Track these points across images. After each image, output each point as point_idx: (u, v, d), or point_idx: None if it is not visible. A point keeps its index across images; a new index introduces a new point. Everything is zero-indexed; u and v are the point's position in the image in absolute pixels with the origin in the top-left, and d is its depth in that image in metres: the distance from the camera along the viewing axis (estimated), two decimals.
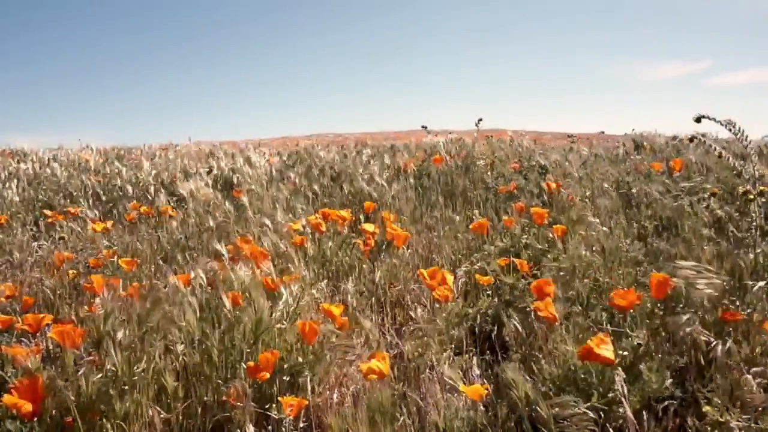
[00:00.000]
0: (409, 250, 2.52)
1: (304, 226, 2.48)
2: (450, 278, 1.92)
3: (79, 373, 1.24)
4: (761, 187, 1.84)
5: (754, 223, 1.89)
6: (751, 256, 1.89)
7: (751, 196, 1.83)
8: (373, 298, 2.10)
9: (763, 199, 1.92)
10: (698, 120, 1.97)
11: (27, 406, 1.17)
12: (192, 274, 2.05)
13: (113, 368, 1.31)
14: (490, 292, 2.05)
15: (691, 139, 2.12)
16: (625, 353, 1.43)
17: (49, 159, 4.64)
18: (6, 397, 1.18)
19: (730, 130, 1.96)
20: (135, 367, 1.31)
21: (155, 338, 1.47)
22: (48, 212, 3.38)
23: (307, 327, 1.56)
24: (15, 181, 4.02)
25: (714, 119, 1.87)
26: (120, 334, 1.45)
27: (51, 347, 1.59)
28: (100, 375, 1.28)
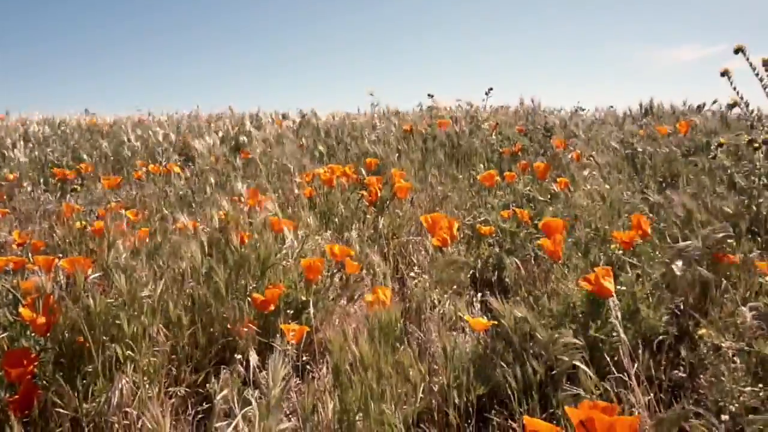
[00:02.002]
0: (413, 204, 2.54)
1: (312, 178, 2.51)
2: (455, 224, 1.94)
3: (88, 295, 1.28)
4: (764, 136, 1.84)
5: (759, 172, 1.90)
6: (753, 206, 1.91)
7: (756, 144, 1.84)
8: (376, 246, 2.13)
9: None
10: (723, 74, 1.95)
11: (41, 319, 1.21)
12: (198, 221, 2.09)
13: (118, 293, 1.35)
14: (491, 242, 2.07)
15: (731, 106, 2.10)
16: (623, 288, 1.45)
17: (59, 122, 4.67)
18: (23, 310, 1.22)
19: (757, 75, 1.92)
20: (141, 292, 1.35)
21: (163, 268, 1.50)
22: (58, 170, 3.42)
23: (311, 263, 1.60)
24: (22, 142, 4.06)
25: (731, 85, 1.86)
26: (125, 263, 1.50)
27: (62, 278, 1.63)
28: (109, 299, 1.32)
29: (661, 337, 1.48)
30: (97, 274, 1.41)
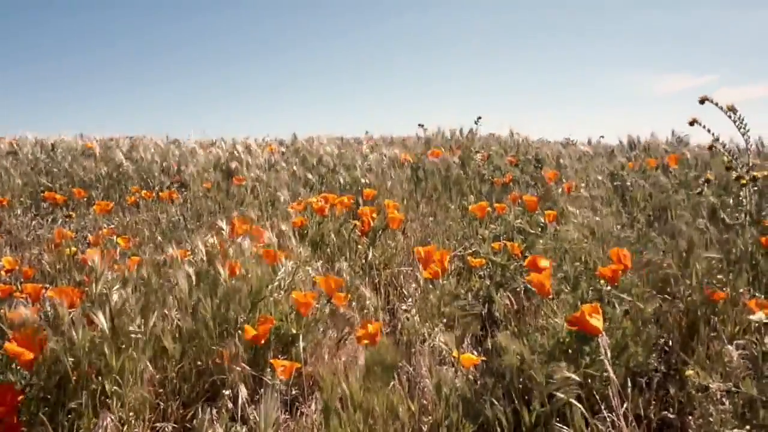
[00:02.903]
0: (405, 234, 2.55)
1: (304, 207, 2.52)
2: (447, 257, 1.95)
3: (76, 328, 1.27)
4: (754, 173, 1.88)
5: (745, 208, 1.93)
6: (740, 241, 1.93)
7: (744, 181, 1.87)
8: (367, 278, 2.14)
9: (756, 186, 1.96)
10: (691, 123, 2.03)
11: (27, 354, 1.20)
12: (189, 249, 2.09)
13: (106, 325, 1.34)
14: (482, 274, 2.08)
15: (710, 147, 2.16)
16: (611, 325, 1.46)
17: (52, 144, 4.67)
18: (8, 345, 1.21)
19: (730, 117, 2.00)
20: (130, 326, 1.34)
21: (152, 302, 1.50)
22: (49, 194, 3.41)
23: (302, 298, 1.59)
24: (16, 164, 4.05)
25: (704, 127, 1.92)
26: (115, 296, 1.49)
27: (49, 310, 1.62)
28: (94, 333, 1.31)
29: (650, 375, 1.49)
30: (85, 306, 1.40)
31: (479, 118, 4.12)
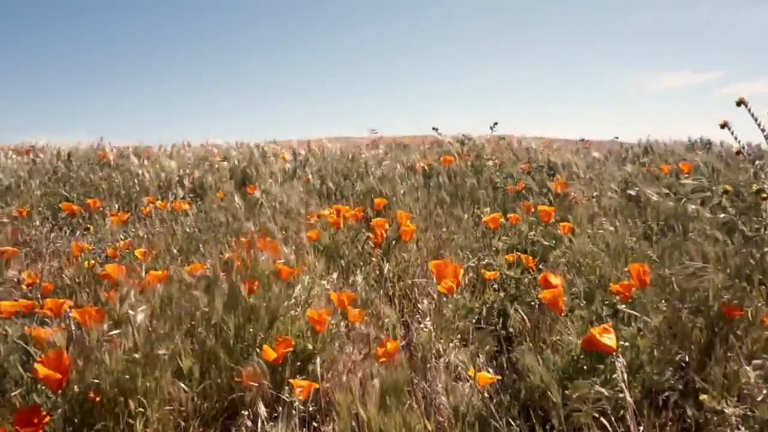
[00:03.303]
0: (418, 245, 2.57)
1: (318, 218, 2.54)
2: (461, 270, 1.97)
3: (102, 350, 1.30)
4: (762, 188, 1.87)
5: (765, 222, 1.92)
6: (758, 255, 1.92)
7: (764, 195, 1.86)
8: (382, 291, 2.15)
9: None
10: (722, 126, 2.01)
11: (56, 376, 1.23)
12: (208, 263, 2.12)
13: (133, 347, 1.37)
14: (496, 287, 2.09)
15: (737, 152, 2.16)
16: (626, 344, 1.47)
17: (68, 154, 4.75)
18: (38, 367, 1.24)
19: (759, 125, 1.96)
20: (155, 348, 1.37)
21: (175, 322, 1.53)
22: (66, 205, 3.47)
23: (317, 316, 1.62)
24: (33, 173, 4.13)
25: (732, 134, 1.90)
26: (140, 317, 1.52)
27: (73, 329, 1.65)
28: (121, 355, 1.34)
29: (667, 393, 1.49)
30: (110, 329, 1.43)
31: (495, 123, 4.11)
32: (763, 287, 1.88)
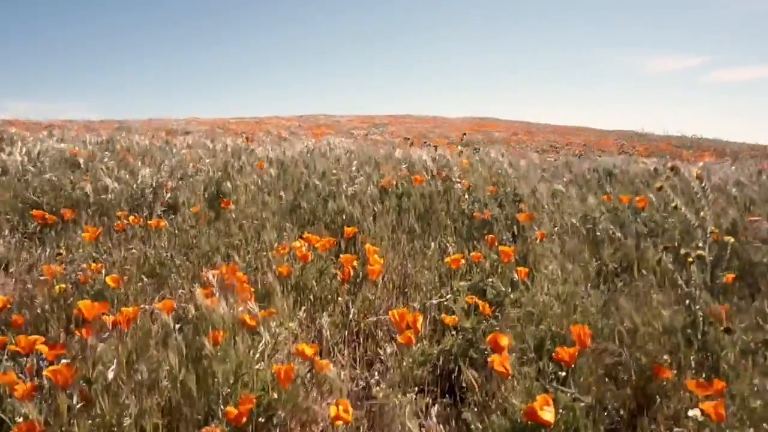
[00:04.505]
0: (385, 278, 2.68)
1: (289, 251, 2.62)
2: (419, 319, 2.08)
3: (71, 421, 1.38)
4: (698, 252, 2.03)
5: (694, 281, 2.08)
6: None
7: (690, 259, 2.02)
8: (346, 332, 2.26)
9: (703, 261, 2.10)
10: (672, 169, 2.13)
11: None
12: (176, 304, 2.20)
13: (101, 412, 1.45)
14: (454, 332, 2.21)
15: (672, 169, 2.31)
16: (563, 411, 1.61)
17: (39, 152, 4.69)
18: None
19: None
20: (123, 413, 1.45)
21: (142, 379, 1.61)
22: (37, 213, 3.46)
23: (283, 372, 1.71)
24: (2, 177, 4.08)
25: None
26: (110, 375, 1.60)
27: (45, 381, 1.71)
28: (89, 421, 1.43)
29: None
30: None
31: (477, 149, 4.21)
32: (696, 342, 2.05)
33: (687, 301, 2.14)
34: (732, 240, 2.16)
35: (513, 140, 15.84)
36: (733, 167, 5.26)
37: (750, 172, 4.79)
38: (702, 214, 2.19)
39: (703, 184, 2.36)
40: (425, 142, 13.43)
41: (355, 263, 2.52)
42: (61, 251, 2.76)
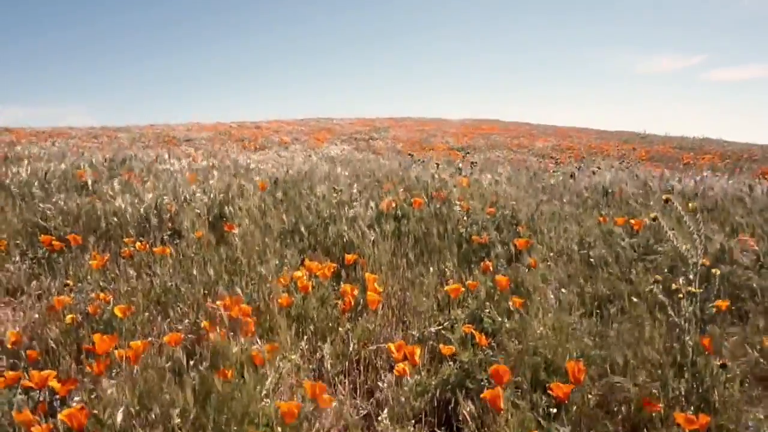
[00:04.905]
0: (384, 306, 2.75)
1: (291, 280, 2.70)
2: (417, 352, 2.17)
3: None
4: (689, 288, 2.11)
5: (683, 314, 2.15)
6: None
7: (681, 295, 2.09)
8: (347, 362, 2.34)
9: (693, 298, 2.18)
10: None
11: None
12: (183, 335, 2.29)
13: None
14: (452, 362, 2.29)
15: (666, 201, 2.40)
16: None
17: (46, 173, 4.78)
18: None
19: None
20: None
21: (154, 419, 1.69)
22: (46, 238, 3.54)
23: (287, 409, 1.80)
24: (10, 199, 4.18)
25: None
26: (119, 418, 1.69)
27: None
28: None
29: None
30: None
31: (473, 163, 4.30)
32: (685, 374, 2.12)
33: (678, 330, 2.22)
34: (718, 272, 2.23)
35: (514, 144, 15.93)
36: (730, 181, 5.34)
37: (743, 186, 4.87)
38: (692, 245, 2.27)
39: (697, 215, 2.43)
40: (427, 148, 13.52)
41: (355, 293, 2.60)
42: (69, 282, 2.84)
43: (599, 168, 6.60)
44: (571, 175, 6.14)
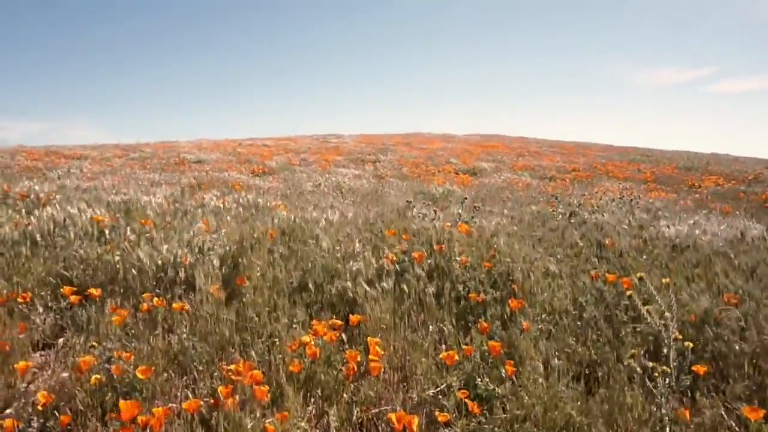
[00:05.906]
0: (386, 367, 2.95)
1: (299, 345, 2.91)
2: (415, 421, 2.36)
3: None
4: (663, 368, 2.30)
5: (659, 389, 2.34)
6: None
7: (657, 374, 2.29)
8: (350, 429, 2.54)
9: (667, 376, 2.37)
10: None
11: None
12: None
13: None
14: (447, 429, 2.48)
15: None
16: None
17: (64, 218, 5.03)
18: None
19: None
20: None
21: None
22: (68, 289, 3.77)
23: None
24: (33, 248, 4.42)
25: None
26: None
27: None
28: None
29: None
30: None
31: (476, 207, 4.51)
32: None
33: (656, 403, 2.41)
34: (690, 345, 2.43)
35: (519, 166, 16.18)
36: (722, 227, 5.52)
37: (734, 234, 5.05)
38: (666, 321, 2.46)
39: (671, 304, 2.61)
40: (433, 171, 13.76)
41: (359, 358, 2.81)
42: (95, 344, 3.06)
43: (598, 207, 6.80)
44: (570, 215, 6.35)
